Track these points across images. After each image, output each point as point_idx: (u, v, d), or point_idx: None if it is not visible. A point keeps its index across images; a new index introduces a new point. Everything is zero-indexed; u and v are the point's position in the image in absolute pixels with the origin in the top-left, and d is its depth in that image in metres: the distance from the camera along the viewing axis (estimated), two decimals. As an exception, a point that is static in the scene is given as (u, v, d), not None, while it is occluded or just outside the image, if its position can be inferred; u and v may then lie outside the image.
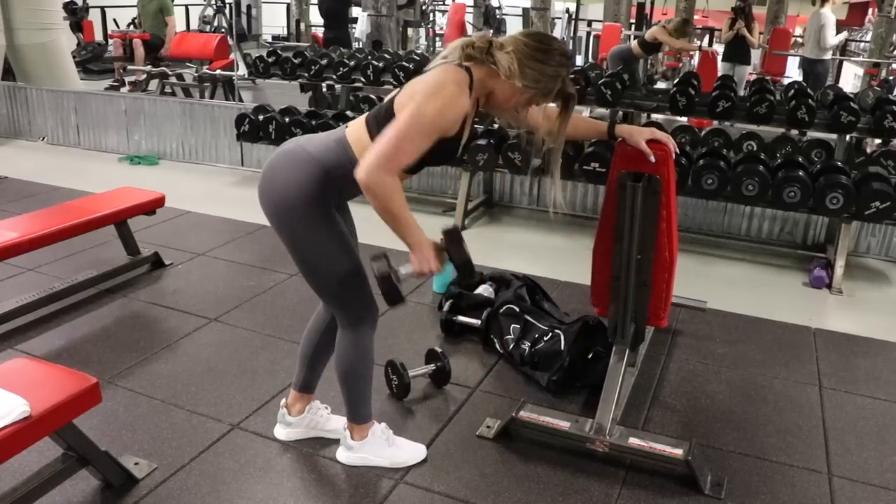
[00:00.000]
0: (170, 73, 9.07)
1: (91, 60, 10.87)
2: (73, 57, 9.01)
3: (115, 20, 11.95)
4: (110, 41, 10.70)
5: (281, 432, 2.76)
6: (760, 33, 9.97)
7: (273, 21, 16.82)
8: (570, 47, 13.63)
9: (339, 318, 2.45)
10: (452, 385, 3.14)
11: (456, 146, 2.30)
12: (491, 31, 13.31)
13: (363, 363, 2.50)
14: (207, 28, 12.62)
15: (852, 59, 12.69)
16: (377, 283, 2.21)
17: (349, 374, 2.50)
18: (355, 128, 2.31)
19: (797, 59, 11.22)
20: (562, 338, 3.18)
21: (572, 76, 4.95)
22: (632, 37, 10.79)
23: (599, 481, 2.58)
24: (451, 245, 2.26)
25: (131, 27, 11.09)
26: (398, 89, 2.30)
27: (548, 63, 2.24)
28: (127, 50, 9.70)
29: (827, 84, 7.84)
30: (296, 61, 6.26)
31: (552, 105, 2.44)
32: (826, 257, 4.70)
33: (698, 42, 11.12)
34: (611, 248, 2.77)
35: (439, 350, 3.15)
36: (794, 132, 6.05)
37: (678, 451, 2.56)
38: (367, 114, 2.34)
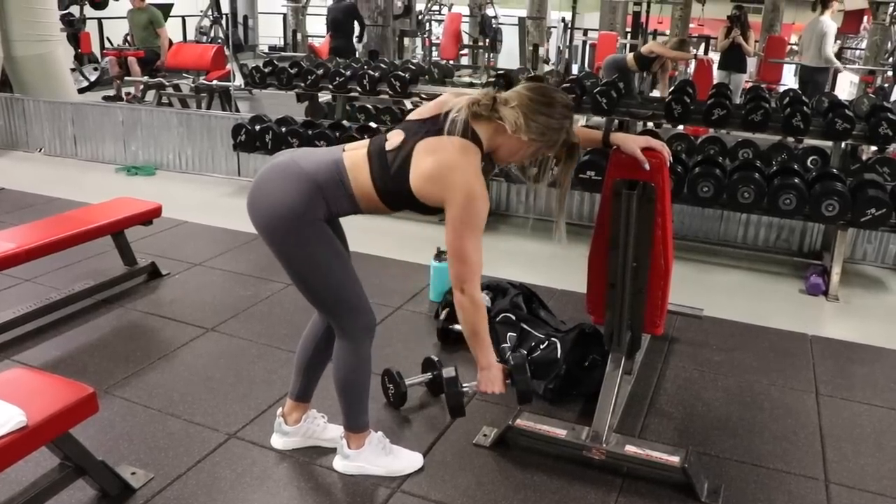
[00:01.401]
0: (166, 83, 9.09)
1: (90, 89, 10.85)
2: (80, 80, 8.98)
3: (108, 38, 11.95)
4: (105, 59, 10.70)
5: (278, 441, 2.75)
6: (756, 41, 10.02)
7: (269, 31, 16.87)
8: (566, 56, 13.68)
9: (336, 328, 2.46)
10: (449, 393, 3.14)
11: None
12: (487, 40, 13.35)
13: (361, 372, 2.50)
14: (204, 39, 12.65)
15: (848, 66, 12.74)
16: (446, 397, 2.56)
17: (347, 383, 2.51)
18: (354, 157, 2.32)
19: (793, 66, 11.28)
20: (558, 346, 3.18)
21: (566, 86, 4.97)
22: (627, 47, 10.83)
23: (596, 489, 2.58)
24: (517, 373, 2.53)
25: (126, 44, 11.09)
26: (402, 132, 2.30)
27: (552, 116, 2.28)
28: (122, 67, 9.70)
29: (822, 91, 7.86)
30: (292, 71, 6.27)
31: None
32: (822, 264, 4.71)
33: (694, 50, 11.17)
34: (606, 256, 2.78)
35: (436, 359, 3.15)
36: (791, 139, 6.06)
37: (675, 459, 2.56)
38: (369, 146, 2.34)
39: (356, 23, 9.58)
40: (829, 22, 8.47)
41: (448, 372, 2.58)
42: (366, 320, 2.44)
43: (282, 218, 2.26)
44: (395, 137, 2.32)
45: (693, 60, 10.08)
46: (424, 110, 2.36)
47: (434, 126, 2.27)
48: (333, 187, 2.27)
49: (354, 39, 9.84)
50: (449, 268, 2.30)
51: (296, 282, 2.39)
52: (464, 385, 2.57)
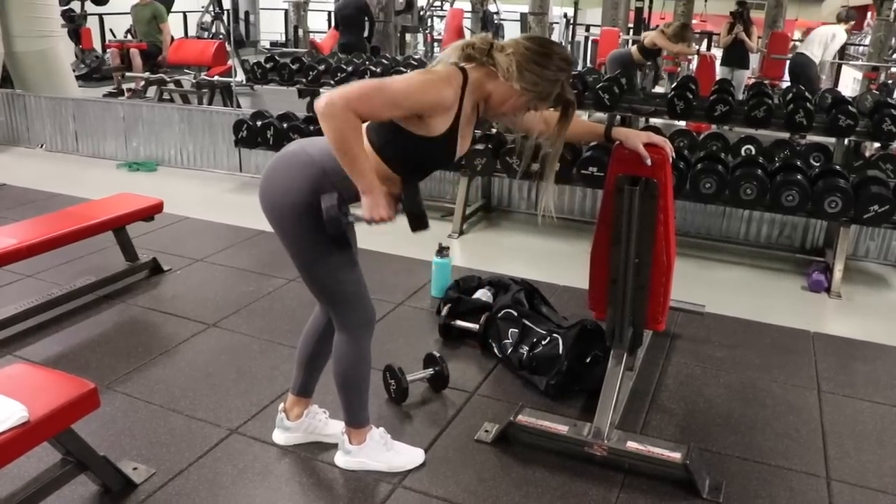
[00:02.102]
0: (168, 79, 9.08)
1: (89, 75, 10.86)
2: (73, 71, 8.99)
3: (111, 30, 11.96)
4: (108, 51, 10.70)
5: (279, 437, 2.75)
6: (759, 37, 10.00)
7: (271, 27, 16.85)
8: (569, 52, 13.66)
9: (336, 320, 2.46)
10: (451, 389, 3.14)
11: (443, 148, 2.27)
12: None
13: (360, 367, 2.50)
14: (205, 34, 12.63)
15: (851, 62, 12.72)
16: (326, 225, 2.18)
17: (347, 377, 2.51)
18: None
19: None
20: (560, 342, 3.18)
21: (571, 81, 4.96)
22: (630, 41, 10.80)
23: (598, 485, 2.58)
24: (405, 193, 2.23)
25: (128, 36, 11.09)
26: None
27: (547, 67, 2.23)
28: (125, 60, 9.70)
29: (825, 88, 7.87)
30: (294, 67, 6.28)
31: (551, 111, 2.44)
32: (825, 261, 4.70)
33: (696, 46, 11.13)
34: (608, 252, 2.77)
35: (437, 355, 3.15)
36: (794, 136, 6.05)
37: (676, 455, 2.56)
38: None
39: (366, 20, 9.57)
40: (843, 32, 8.75)
41: (327, 199, 2.18)
42: (366, 315, 2.44)
43: (290, 206, 2.25)
44: None
45: (696, 56, 10.05)
46: None
47: None
48: (340, 170, 2.25)
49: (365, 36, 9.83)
50: (347, 84, 2.09)
51: (300, 270, 2.39)
52: (351, 211, 2.23)
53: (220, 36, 12.02)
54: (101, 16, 12.19)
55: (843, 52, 11.33)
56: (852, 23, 8.82)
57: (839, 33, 8.65)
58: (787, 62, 9.25)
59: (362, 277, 2.41)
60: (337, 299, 2.41)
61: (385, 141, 2.24)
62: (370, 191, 2.15)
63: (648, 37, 8.02)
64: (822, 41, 8.69)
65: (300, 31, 13.34)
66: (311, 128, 5.58)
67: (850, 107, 4.85)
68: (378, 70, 5.92)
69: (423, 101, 2.15)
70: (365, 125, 2.31)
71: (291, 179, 2.26)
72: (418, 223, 2.22)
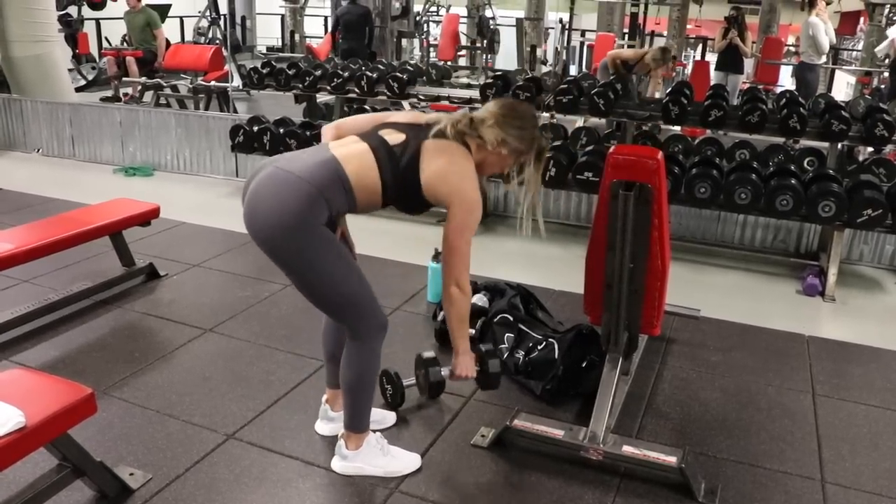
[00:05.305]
0: (164, 84, 9.08)
1: (88, 87, 10.85)
2: (77, 78, 8.96)
3: (106, 38, 11.95)
4: (103, 59, 10.70)
5: (323, 428, 2.82)
6: (753, 42, 10.04)
7: (267, 32, 16.85)
8: (564, 57, 13.69)
9: (349, 329, 2.47)
10: (447, 394, 3.13)
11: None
12: (485, 41, 13.35)
13: (371, 373, 2.53)
14: (202, 40, 12.64)
15: (844, 67, 12.77)
16: (428, 386, 2.86)
17: (356, 383, 2.51)
18: (351, 153, 2.36)
19: (790, 67, 11.32)
20: (555, 346, 3.19)
21: (564, 87, 4.99)
22: (625, 48, 10.82)
23: (593, 489, 2.59)
24: (488, 359, 2.81)
25: (124, 44, 11.09)
26: (400, 133, 2.42)
27: (525, 127, 2.48)
28: (121, 67, 9.69)
29: (818, 92, 7.90)
30: (290, 72, 6.28)
31: None
32: (819, 265, 4.72)
33: (674, 56, 11.09)
34: (603, 256, 2.79)
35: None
36: (788, 140, 6.08)
37: (672, 459, 2.57)
38: (368, 141, 2.39)
39: (367, 28, 9.63)
40: (815, 20, 8.72)
41: (428, 353, 2.89)
42: (379, 320, 2.48)
43: (286, 227, 2.24)
44: (395, 135, 2.40)
45: (690, 61, 10.09)
46: (408, 117, 2.55)
47: (429, 130, 2.42)
48: (333, 186, 2.27)
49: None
50: (444, 264, 2.46)
51: (302, 291, 2.39)
52: (441, 371, 2.82)
53: (217, 41, 12.03)
54: (97, 20, 12.19)
55: (836, 57, 11.37)
56: (818, 6, 8.82)
57: (814, 25, 8.67)
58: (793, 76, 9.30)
59: (366, 284, 2.42)
60: (346, 312, 2.44)
61: (396, 188, 2.39)
62: (465, 354, 2.65)
63: (630, 53, 8.03)
64: (806, 40, 8.75)
65: (297, 36, 13.33)
66: (308, 133, 5.59)
67: (842, 111, 4.86)
68: (374, 76, 5.92)
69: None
70: (370, 148, 2.37)
71: (282, 201, 2.24)
72: (494, 385, 2.88)
